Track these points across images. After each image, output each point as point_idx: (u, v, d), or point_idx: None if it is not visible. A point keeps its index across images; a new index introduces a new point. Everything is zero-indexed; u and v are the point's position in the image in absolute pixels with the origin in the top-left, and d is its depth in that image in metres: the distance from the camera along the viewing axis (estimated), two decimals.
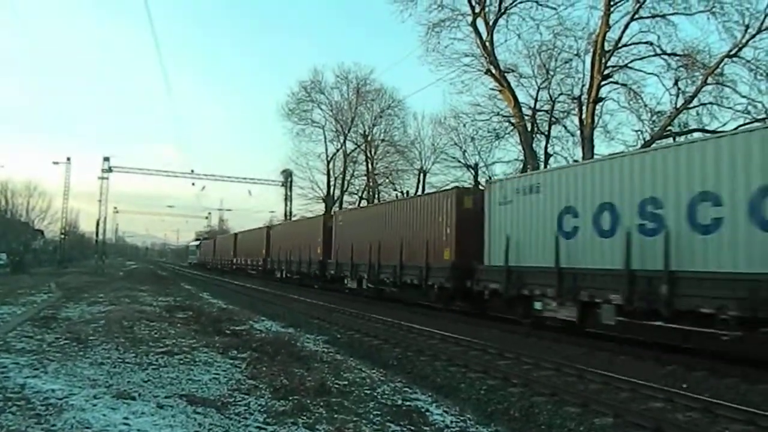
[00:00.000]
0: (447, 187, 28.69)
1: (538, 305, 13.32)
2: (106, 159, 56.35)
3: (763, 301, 8.62)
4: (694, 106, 25.42)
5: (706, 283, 9.54)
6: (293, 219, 47.74)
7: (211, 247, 65.30)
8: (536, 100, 31.85)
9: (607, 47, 25.82)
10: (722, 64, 23.84)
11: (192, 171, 56.66)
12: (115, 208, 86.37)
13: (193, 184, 57.87)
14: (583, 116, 27.32)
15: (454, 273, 16.60)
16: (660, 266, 10.24)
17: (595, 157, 25.13)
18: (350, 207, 40.22)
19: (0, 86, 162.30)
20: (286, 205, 56.60)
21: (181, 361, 8.68)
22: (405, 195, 40.81)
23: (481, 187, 20.25)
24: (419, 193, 36.50)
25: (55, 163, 57.03)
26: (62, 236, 62.41)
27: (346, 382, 7.87)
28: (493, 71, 28.91)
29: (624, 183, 11.42)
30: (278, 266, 35.88)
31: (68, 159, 57.06)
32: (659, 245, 10.35)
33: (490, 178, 28.05)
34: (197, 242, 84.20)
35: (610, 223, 11.63)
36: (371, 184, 48.77)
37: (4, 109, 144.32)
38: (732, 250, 9.30)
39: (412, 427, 6.13)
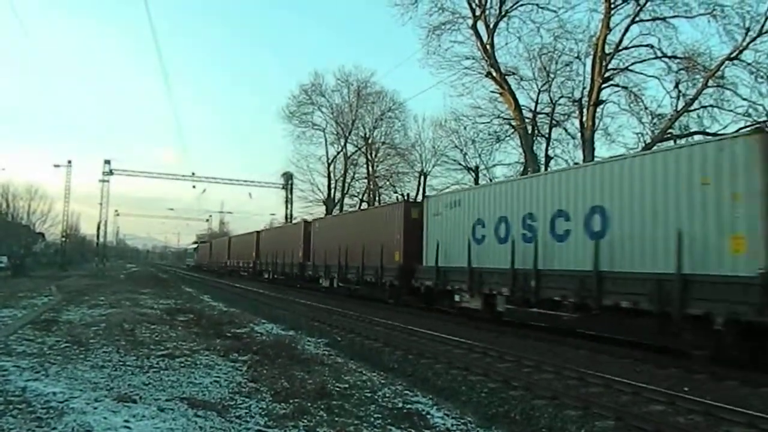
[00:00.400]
0: (447, 190, 29.73)
1: (457, 297, 16.75)
2: (107, 162, 56.54)
3: (588, 292, 11.68)
4: (695, 109, 25.48)
5: (555, 278, 12.82)
6: (280, 225, 50.00)
7: (207, 250, 68.99)
8: (537, 103, 31.92)
9: (607, 50, 25.85)
10: (723, 66, 23.88)
11: (193, 174, 56.84)
12: (116, 211, 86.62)
13: (193, 186, 58.10)
14: (584, 119, 27.35)
15: (401, 272, 19.64)
16: (531, 266, 13.50)
17: (595, 159, 25.16)
18: (324, 215, 42.89)
19: (1, 89, 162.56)
20: (286, 207, 56.71)
21: (182, 364, 8.69)
22: (405, 198, 40.82)
23: None
24: (389, 201, 39.31)
25: (56, 166, 57.22)
26: (63, 239, 62.50)
27: (346, 385, 7.86)
28: (494, 74, 28.95)
29: (513, 201, 14.62)
30: (266, 268, 39.28)
31: (69, 162, 57.27)
32: (532, 250, 13.55)
33: (425, 194, 31.63)
34: (195, 245, 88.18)
35: (504, 232, 14.79)
36: (372, 186, 48.82)
37: (5, 112, 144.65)
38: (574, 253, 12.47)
39: (413, 430, 6.13)
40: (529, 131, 30.41)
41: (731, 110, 24.55)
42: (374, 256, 21.35)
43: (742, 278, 8.90)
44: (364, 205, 47.16)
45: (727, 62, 23.67)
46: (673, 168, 10.33)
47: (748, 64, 23.27)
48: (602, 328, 12.82)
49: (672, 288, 9.99)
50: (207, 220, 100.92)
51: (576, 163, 28.48)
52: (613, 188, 11.57)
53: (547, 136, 32.01)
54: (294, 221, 51.01)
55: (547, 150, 31.92)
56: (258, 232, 45.43)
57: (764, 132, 9.88)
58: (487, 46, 28.68)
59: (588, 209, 12.13)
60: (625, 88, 27.56)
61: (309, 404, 6.57)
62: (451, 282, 16.74)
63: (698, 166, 9.86)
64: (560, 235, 12.90)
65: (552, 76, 30.44)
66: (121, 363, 8.54)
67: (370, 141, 49.51)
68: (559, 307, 12.86)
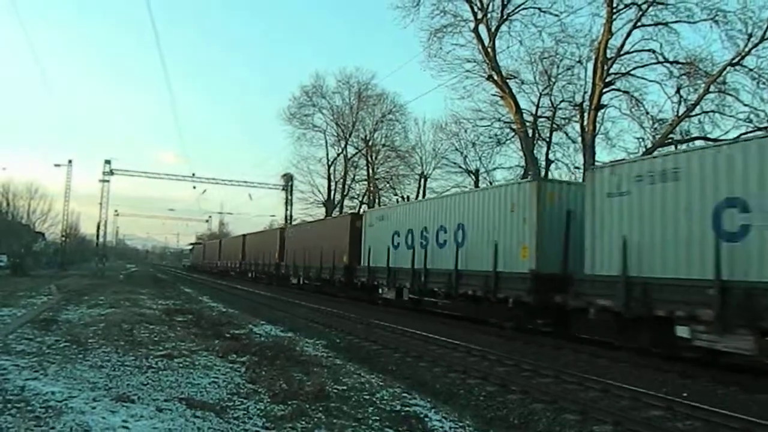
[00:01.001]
0: (454, 191, 30.03)
1: (380, 290, 21.29)
2: (108, 162, 56.49)
3: (454, 284, 16.29)
4: (696, 114, 25.48)
5: (437, 275, 17.38)
6: (262, 230, 51.91)
7: (201, 252, 74.19)
8: (538, 107, 31.98)
9: (609, 54, 25.86)
10: (724, 72, 23.91)
11: (193, 174, 56.76)
12: (116, 211, 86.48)
13: (194, 187, 58.05)
14: (585, 123, 27.38)
15: (347, 271, 24.77)
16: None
17: (596, 163, 25.19)
18: (297, 222, 48.64)
19: (2, 89, 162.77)
20: (286, 209, 56.68)
21: (181, 365, 8.69)
22: (405, 200, 41.17)
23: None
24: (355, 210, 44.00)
25: (57, 165, 57.16)
26: (63, 239, 62.50)
27: (345, 387, 7.87)
28: (495, 77, 28.98)
29: (416, 217, 19.37)
30: (250, 268, 44.77)
31: (70, 162, 57.20)
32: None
33: (359, 210, 39.61)
34: (191, 247, 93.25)
35: (410, 241, 19.40)
36: (372, 188, 48.85)
37: (6, 112, 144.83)
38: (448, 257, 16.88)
39: None
40: (530, 135, 30.42)
41: (732, 116, 24.58)
42: (328, 257, 26.74)
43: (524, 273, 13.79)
44: (365, 207, 47.23)
45: (728, 68, 23.71)
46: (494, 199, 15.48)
47: (750, 69, 23.31)
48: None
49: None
50: (207, 221, 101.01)
51: (577, 168, 28.61)
52: (468, 211, 16.42)
53: (547, 139, 32.09)
54: (294, 221, 51.16)
55: (547, 154, 32.00)
56: (244, 236, 50.33)
57: (538, 181, 15.09)
58: (489, 50, 28.71)
59: (456, 225, 16.73)
60: (626, 92, 27.59)
61: (307, 406, 6.57)
62: (378, 278, 21.12)
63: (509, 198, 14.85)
64: (441, 243, 17.53)
65: (553, 79, 30.51)
66: (119, 363, 8.54)
67: (370, 143, 49.57)
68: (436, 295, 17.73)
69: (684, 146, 23.78)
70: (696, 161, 10.09)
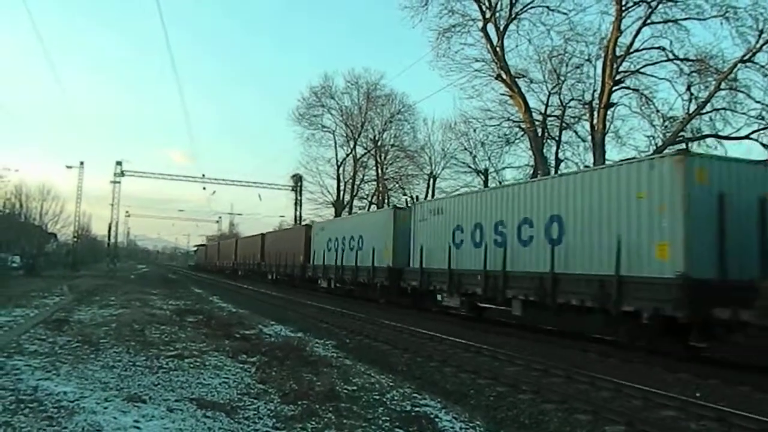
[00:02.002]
0: (455, 192, 30.57)
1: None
2: (119, 163, 57.07)
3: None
4: (707, 112, 25.29)
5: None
6: (251, 235, 55.85)
7: (204, 253, 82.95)
8: (547, 106, 31.85)
9: (618, 52, 25.72)
10: (736, 69, 23.69)
11: (203, 175, 57.17)
12: (127, 211, 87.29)
13: (204, 188, 58.53)
14: (595, 122, 27.23)
15: (302, 269, 32.53)
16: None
17: (607, 162, 25.05)
18: (273, 229, 52.91)
19: (16, 92, 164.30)
20: (295, 209, 56.88)
21: (191, 365, 8.73)
22: (414, 200, 41.32)
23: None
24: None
25: (69, 167, 57.75)
26: (75, 239, 62.95)
27: (355, 388, 7.86)
28: (504, 76, 28.89)
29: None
30: (240, 267, 51.96)
31: (81, 163, 57.82)
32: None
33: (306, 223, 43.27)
34: (195, 248, 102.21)
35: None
36: (381, 189, 48.87)
37: (19, 114, 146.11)
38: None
39: None
40: (539, 134, 30.31)
41: (744, 113, 24.39)
42: (290, 258, 34.79)
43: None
44: (373, 207, 47.28)
45: (739, 65, 23.49)
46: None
47: (762, 66, 23.11)
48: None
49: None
50: (217, 222, 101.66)
51: (587, 167, 28.40)
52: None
53: (557, 138, 31.93)
54: (304, 222, 51.33)
55: (557, 153, 31.86)
56: (236, 240, 59.59)
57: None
58: (497, 49, 28.64)
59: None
60: (636, 90, 27.43)
61: (317, 406, 6.57)
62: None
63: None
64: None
65: (562, 78, 30.37)
66: (131, 363, 8.59)
67: (379, 143, 49.60)
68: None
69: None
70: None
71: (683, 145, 25.75)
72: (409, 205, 28.92)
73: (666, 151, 20.60)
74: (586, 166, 26.40)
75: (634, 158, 14.43)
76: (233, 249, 56.07)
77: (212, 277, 54.21)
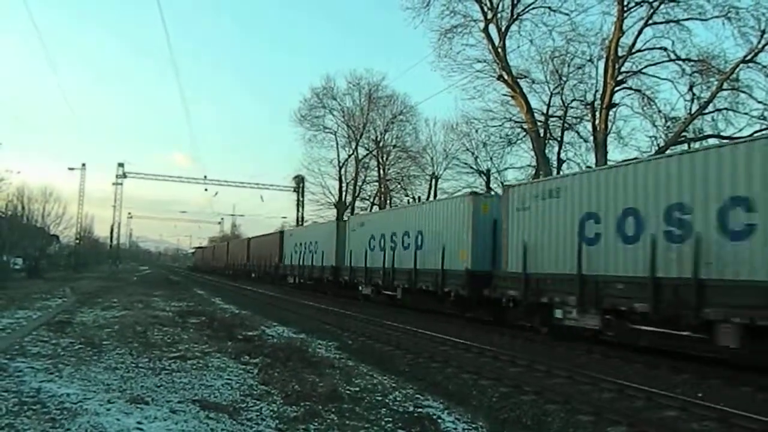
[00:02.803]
0: (458, 194, 30.43)
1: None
2: (121, 165, 57.23)
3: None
4: (709, 112, 25.26)
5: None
6: (244, 238, 60.92)
7: (200, 255, 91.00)
8: (549, 106, 31.81)
9: (620, 53, 25.70)
10: (738, 69, 23.67)
11: (205, 177, 57.26)
12: (129, 213, 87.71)
13: (206, 189, 58.62)
14: (597, 122, 27.21)
15: (277, 269, 36.98)
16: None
17: (609, 163, 25.01)
18: (256, 235, 54.34)
19: (18, 95, 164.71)
20: (298, 210, 56.95)
21: (194, 366, 8.74)
22: (417, 201, 41.43)
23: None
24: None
25: (71, 169, 58.03)
26: (77, 241, 63.06)
27: (357, 389, 7.87)
28: (506, 77, 28.88)
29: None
30: (231, 268, 56.19)
31: (83, 165, 58.05)
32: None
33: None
34: (193, 251, 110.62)
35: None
36: (383, 189, 48.87)
37: (21, 116, 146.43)
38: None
39: None
40: (541, 134, 30.28)
41: (746, 113, 24.36)
42: (265, 260, 41.68)
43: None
44: (376, 208, 47.26)
45: (741, 65, 23.46)
46: None
47: (764, 66, 23.06)
48: None
49: None
50: (219, 223, 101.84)
51: (589, 167, 28.34)
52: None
53: (559, 139, 31.89)
54: (305, 223, 51.41)
55: (559, 153, 31.80)
56: (228, 243, 66.86)
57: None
58: (499, 49, 28.63)
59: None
60: (638, 91, 27.40)
61: (320, 407, 6.58)
62: (289, 272, 21.17)
63: None
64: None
65: (564, 79, 30.36)
66: (133, 365, 8.61)
67: (381, 144, 49.61)
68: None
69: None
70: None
71: (685, 146, 25.75)
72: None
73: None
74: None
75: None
76: (225, 252, 63.14)
77: (212, 278, 54.97)
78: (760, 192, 9.02)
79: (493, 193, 23.63)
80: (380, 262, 22.03)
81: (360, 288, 24.12)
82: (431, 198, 41.01)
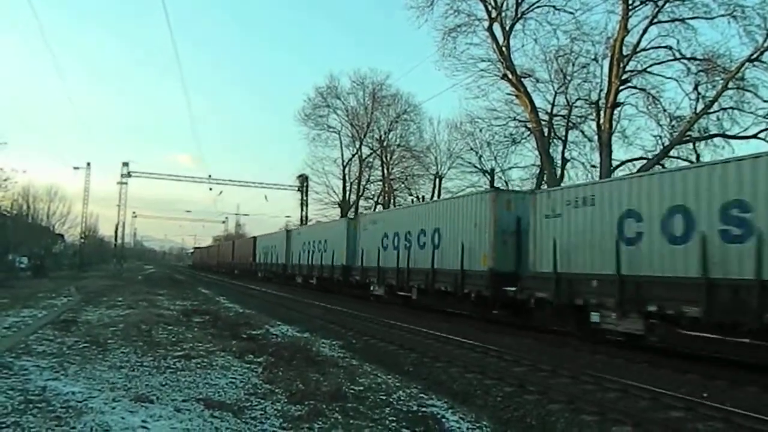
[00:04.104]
0: (470, 191, 30.14)
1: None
2: (126, 164, 57.34)
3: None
4: (715, 111, 25.19)
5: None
6: (227, 241, 68.53)
7: (198, 254, 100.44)
8: (553, 105, 31.79)
9: (625, 52, 25.65)
10: (743, 68, 23.60)
11: (209, 176, 57.32)
12: (134, 212, 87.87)
13: (210, 189, 58.64)
14: (601, 121, 27.16)
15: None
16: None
17: (613, 162, 24.99)
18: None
19: (22, 92, 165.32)
20: (302, 210, 56.97)
21: (199, 365, 8.75)
22: (420, 200, 41.58)
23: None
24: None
25: (76, 168, 58.14)
26: (82, 240, 63.25)
27: (361, 388, 7.87)
28: (510, 76, 28.86)
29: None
30: (225, 267, 62.85)
31: (88, 164, 58.21)
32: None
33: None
34: (192, 251, 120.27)
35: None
36: (387, 189, 48.88)
37: (26, 116, 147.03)
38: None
39: None
40: (546, 134, 30.27)
41: (752, 112, 24.30)
42: (245, 259, 50.64)
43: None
44: (380, 207, 47.27)
45: (747, 64, 23.40)
46: None
47: None
48: None
49: None
50: (223, 222, 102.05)
51: (594, 166, 28.15)
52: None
53: (563, 138, 31.85)
54: (309, 223, 51.49)
55: (563, 153, 31.77)
56: (218, 245, 78.27)
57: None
58: (503, 48, 28.61)
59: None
60: (643, 90, 27.35)
61: (324, 406, 6.58)
62: (262, 268, 22.14)
63: None
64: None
65: (568, 78, 30.33)
66: (138, 363, 8.63)
67: (385, 143, 49.65)
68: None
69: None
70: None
71: (690, 145, 25.66)
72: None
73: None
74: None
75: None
76: (217, 252, 73.40)
77: (217, 278, 55.12)
78: None
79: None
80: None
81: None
82: (435, 197, 41.01)
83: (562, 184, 26.11)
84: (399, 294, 21.27)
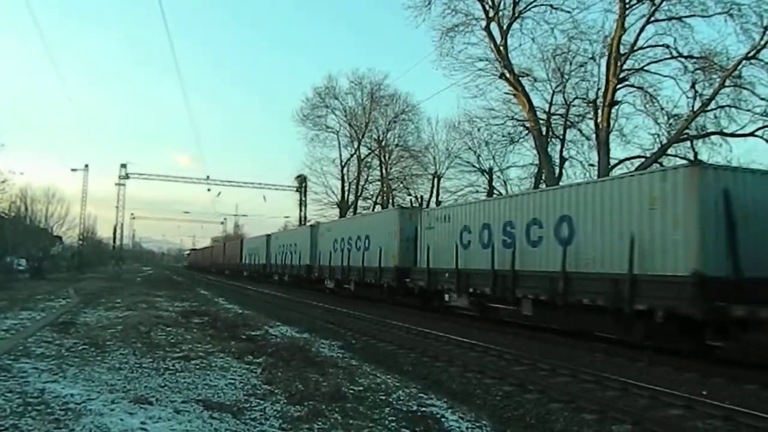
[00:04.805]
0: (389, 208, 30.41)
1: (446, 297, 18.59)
2: (124, 166, 57.22)
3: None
4: (712, 109, 25.19)
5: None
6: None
7: (194, 256, 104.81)
8: (551, 104, 31.78)
9: (622, 50, 25.67)
10: (740, 66, 23.61)
11: (208, 177, 57.21)
12: (132, 214, 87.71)
13: (208, 189, 58.54)
14: (599, 120, 27.17)
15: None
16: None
17: (611, 161, 25.05)
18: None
19: (20, 93, 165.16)
20: (300, 210, 56.91)
21: (198, 366, 8.75)
22: (419, 200, 41.70)
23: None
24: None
25: (74, 170, 58.03)
26: (80, 242, 63.16)
27: (361, 388, 7.87)
28: (508, 75, 28.87)
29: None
30: (216, 267, 66.38)
31: (86, 166, 58.08)
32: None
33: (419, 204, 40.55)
34: (188, 253, 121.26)
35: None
36: (385, 189, 48.88)
37: (24, 117, 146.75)
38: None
39: None
40: (544, 133, 30.28)
41: (749, 110, 24.30)
42: (232, 260, 53.61)
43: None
44: (378, 207, 47.30)
45: (744, 62, 23.41)
46: None
47: (766, 63, 23.00)
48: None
49: None
50: (222, 223, 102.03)
51: (592, 165, 28.26)
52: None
53: (561, 137, 31.85)
54: (309, 223, 51.46)
55: (561, 151, 31.77)
56: (212, 247, 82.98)
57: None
58: (501, 48, 28.61)
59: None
60: (640, 88, 27.35)
61: (323, 407, 6.58)
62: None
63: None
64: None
65: (566, 77, 30.32)
66: (137, 365, 8.62)
67: (383, 143, 49.65)
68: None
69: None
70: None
71: (688, 143, 25.69)
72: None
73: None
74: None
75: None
76: (210, 254, 77.62)
77: (213, 278, 55.33)
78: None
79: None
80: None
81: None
82: (434, 198, 41.32)
83: (432, 206, 33.66)
84: (344, 287, 26.38)
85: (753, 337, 10.08)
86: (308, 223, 51.70)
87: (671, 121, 26.89)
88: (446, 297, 18.15)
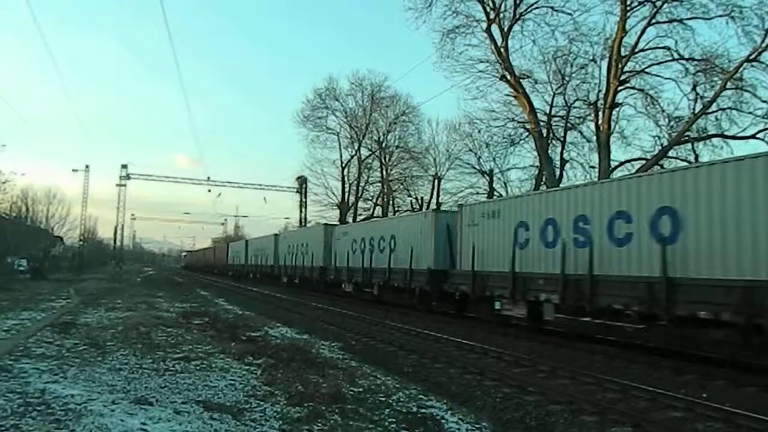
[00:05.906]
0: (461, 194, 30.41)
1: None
2: (124, 166, 57.38)
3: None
4: (713, 111, 25.20)
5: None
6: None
7: (190, 257, 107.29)
8: (552, 106, 31.79)
9: (623, 52, 25.67)
10: (741, 68, 23.61)
11: (208, 178, 57.31)
12: (133, 214, 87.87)
13: (209, 190, 58.66)
14: (600, 122, 27.17)
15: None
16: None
17: (612, 163, 25.02)
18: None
19: (21, 94, 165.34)
20: (300, 211, 56.95)
21: (198, 367, 8.75)
22: (419, 201, 41.74)
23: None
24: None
25: (75, 170, 58.19)
26: (81, 243, 63.22)
27: (361, 389, 7.87)
28: (508, 77, 28.88)
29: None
30: (208, 268, 69.23)
31: (87, 167, 58.22)
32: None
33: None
34: (185, 254, 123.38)
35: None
36: (386, 190, 48.87)
37: (25, 118, 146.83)
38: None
39: None
40: (544, 134, 30.28)
41: (750, 112, 24.30)
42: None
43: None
44: (378, 209, 47.32)
45: (745, 64, 23.42)
46: None
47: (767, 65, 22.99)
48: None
49: None
50: (222, 224, 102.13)
51: (592, 167, 28.20)
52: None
53: (562, 139, 31.85)
54: (309, 224, 51.50)
55: (562, 153, 31.78)
56: (204, 250, 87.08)
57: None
58: (502, 50, 28.63)
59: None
60: (641, 90, 27.38)
61: (323, 408, 6.58)
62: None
63: None
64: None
65: (567, 78, 30.33)
66: (137, 366, 8.62)
67: (383, 145, 49.65)
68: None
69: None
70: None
71: (689, 145, 25.68)
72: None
73: None
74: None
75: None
76: (206, 254, 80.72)
77: (215, 279, 55.15)
78: None
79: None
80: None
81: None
82: (434, 199, 41.40)
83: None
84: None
85: None
86: (308, 224, 51.80)
87: (672, 123, 26.93)
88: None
